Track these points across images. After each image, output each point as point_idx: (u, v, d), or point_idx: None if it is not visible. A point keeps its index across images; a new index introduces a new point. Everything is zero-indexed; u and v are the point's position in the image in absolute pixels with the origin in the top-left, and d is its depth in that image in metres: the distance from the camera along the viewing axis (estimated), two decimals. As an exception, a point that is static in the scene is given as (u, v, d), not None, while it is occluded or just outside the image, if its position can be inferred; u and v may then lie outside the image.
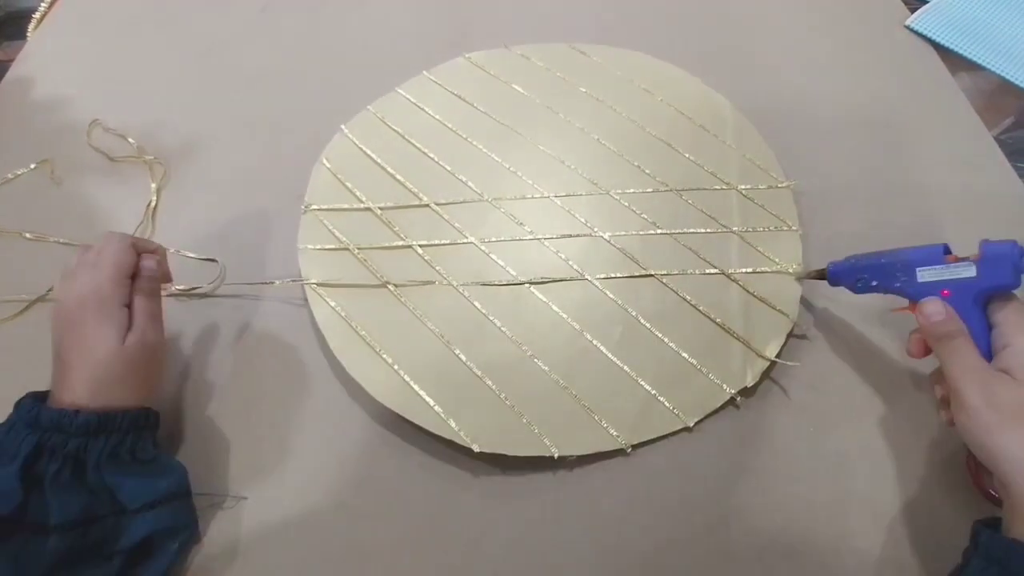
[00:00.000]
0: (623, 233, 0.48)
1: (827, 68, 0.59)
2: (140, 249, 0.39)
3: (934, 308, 0.34)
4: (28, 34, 0.65)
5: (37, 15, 0.66)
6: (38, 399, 0.34)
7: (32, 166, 0.54)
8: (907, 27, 0.63)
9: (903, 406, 0.41)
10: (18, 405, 0.34)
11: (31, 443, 0.32)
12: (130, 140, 0.55)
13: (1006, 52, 0.61)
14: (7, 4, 0.77)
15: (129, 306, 0.37)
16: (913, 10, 0.64)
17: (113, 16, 0.66)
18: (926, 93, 0.58)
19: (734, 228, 0.48)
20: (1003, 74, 0.60)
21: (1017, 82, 0.59)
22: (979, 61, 0.60)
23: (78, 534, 0.32)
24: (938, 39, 0.61)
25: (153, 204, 0.51)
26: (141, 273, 0.38)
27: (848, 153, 0.53)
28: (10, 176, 0.53)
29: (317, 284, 0.45)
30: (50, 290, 0.46)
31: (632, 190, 0.50)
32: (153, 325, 0.37)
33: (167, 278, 0.40)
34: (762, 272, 0.46)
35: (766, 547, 0.37)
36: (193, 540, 0.36)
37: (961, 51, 0.61)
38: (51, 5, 0.67)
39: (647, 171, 0.51)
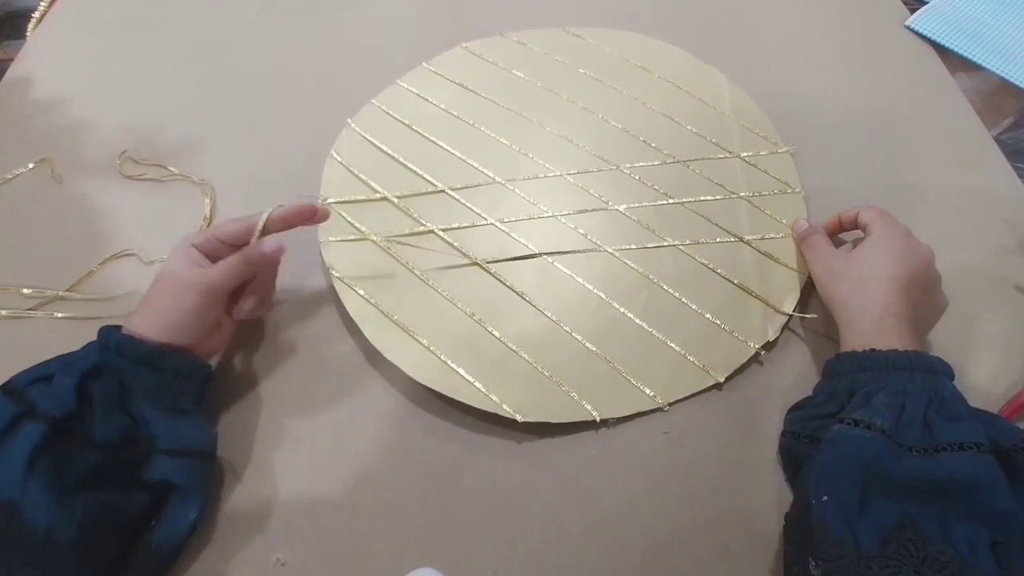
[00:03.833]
0: (637, 205, 0.49)
1: (826, 68, 0.60)
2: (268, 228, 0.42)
3: (800, 223, 0.47)
4: (27, 33, 0.64)
5: (36, 14, 0.65)
6: (118, 328, 0.37)
7: (31, 165, 0.53)
8: (907, 27, 0.63)
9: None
10: (100, 331, 0.37)
11: (93, 360, 0.35)
12: (171, 168, 0.54)
13: (1006, 52, 0.61)
14: (7, 3, 0.76)
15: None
16: (913, 10, 0.64)
17: (113, 15, 0.66)
18: (926, 93, 0.58)
19: (741, 193, 0.50)
20: (1003, 74, 0.60)
21: (1017, 82, 0.59)
22: (979, 61, 0.61)
23: (114, 454, 0.34)
24: (938, 39, 0.62)
25: (207, 217, 0.51)
26: (263, 248, 0.41)
27: (847, 153, 0.54)
28: (9, 176, 0.53)
29: (346, 276, 0.46)
30: (56, 297, 0.46)
31: (641, 164, 0.51)
32: (225, 276, 0.39)
33: (267, 259, 0.41)
34: (772, 237, 0.48)
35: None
36: (208, 516, 0.37)
37: (961, 51, 0.61)
38: (51, 4, 0.66)
39: (653, 145, 0.52)
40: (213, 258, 0.40)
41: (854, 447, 0.33)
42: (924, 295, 0.40)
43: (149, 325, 0.37)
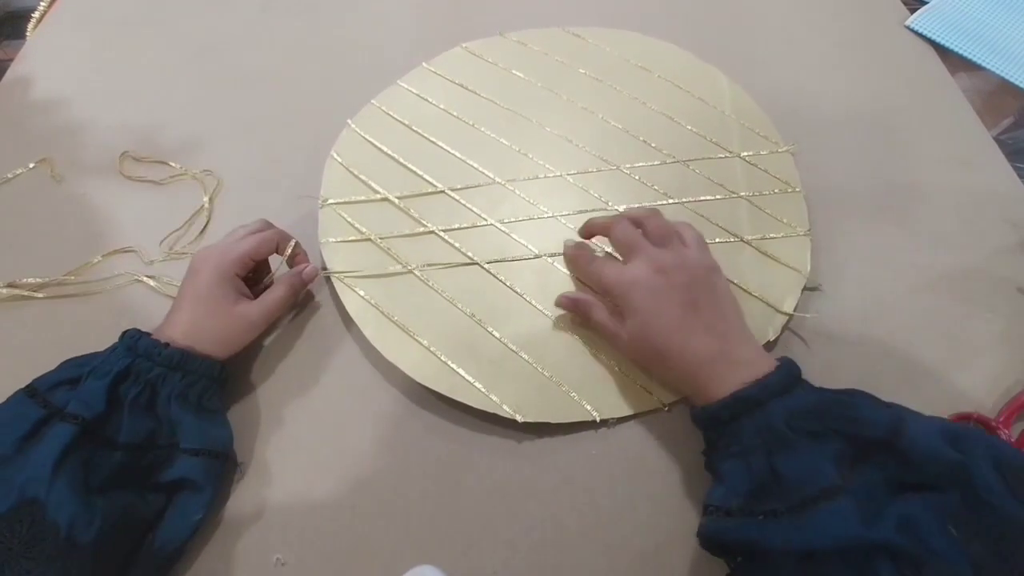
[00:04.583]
0: (637, 205, 0.49)
1: (826, 68, 0.60)
2: (292, 252, 0.45)
3: (563, 300, 0.43)
4: (27, 33, 0.64)
5: (36, 14, 0.66)
6: (143, 333, 0.39)
7: (31, 165, 0.53)
8: (907, 27, 0.63)
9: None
10: (123, 335, 0.38)
11: (123, 364, 0.36)
12: (172, 164, 0.54)
13: (1006, 52, 0.61)
14: (7, 3, 0.77)
15: (257, 285, 0.44)
16: (913, 10, 0.64)
17: (113, 15, 0.66)
18: (926, 93, 0.58)
19: (741, 193, 0.50)
20: (1003, 74, 0.60)
21: (1017, 82, 0.59)
22: (979, 61, 0.60)
23: (138, 455, 0.36)
24: (938, 39, 0.61)
25: (208, 216, 0.51)
26: (302, 274, 0.44)
27: (848, 153, 0.53)
28: (9, 176, 0.53)
29: (348, 275, 0.46)
30: (54, 282, 0.46)
31: (641, 164, 0.51)
32: (267, 312, 0.42)
33: (305, 285, 0.46)
34: (773, 236, 0.48)
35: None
36: (211, 517, 0.38)
37: (961, 51, 0.61)
38: (50, 4, 0.66)
39: (653, 144, 0.52)
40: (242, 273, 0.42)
41: (725, 539, 0.32)
42: (699, 318, 0.37)
43: (178, 333, 0.38)
